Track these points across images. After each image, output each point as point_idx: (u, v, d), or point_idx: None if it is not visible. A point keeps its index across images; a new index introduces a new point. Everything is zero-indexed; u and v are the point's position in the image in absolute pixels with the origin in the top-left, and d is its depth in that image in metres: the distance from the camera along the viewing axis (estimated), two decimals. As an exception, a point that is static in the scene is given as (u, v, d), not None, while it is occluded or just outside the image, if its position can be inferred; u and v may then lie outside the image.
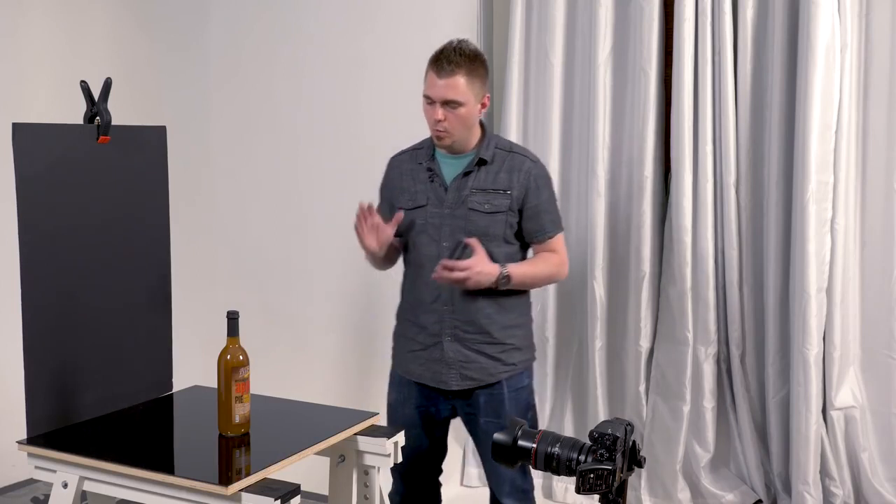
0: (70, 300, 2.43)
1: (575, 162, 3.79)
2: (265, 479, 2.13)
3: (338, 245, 4.02)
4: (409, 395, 2.75)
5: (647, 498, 3.67)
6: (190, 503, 2.11)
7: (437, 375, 2.68)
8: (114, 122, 2.49)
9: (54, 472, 2.26)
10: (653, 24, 3.53)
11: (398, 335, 2.81)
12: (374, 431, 2.48)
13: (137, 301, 2.63)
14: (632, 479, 2.91)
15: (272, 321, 4.21)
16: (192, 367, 2.95)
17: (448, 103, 2.55)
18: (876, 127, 3.35)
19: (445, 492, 2.95)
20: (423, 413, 2.74)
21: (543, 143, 3.73)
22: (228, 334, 2.34)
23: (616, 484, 1.53)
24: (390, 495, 2.79)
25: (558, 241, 2.71)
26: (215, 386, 2.36)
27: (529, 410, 2.74)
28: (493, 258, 2.58)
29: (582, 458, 1.56)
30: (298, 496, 2.08)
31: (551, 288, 3.75)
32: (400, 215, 2.61)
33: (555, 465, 1.59)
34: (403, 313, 2.78)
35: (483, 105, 2.63)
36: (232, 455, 2.31)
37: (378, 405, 2.85)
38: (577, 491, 1.52)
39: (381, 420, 2.58)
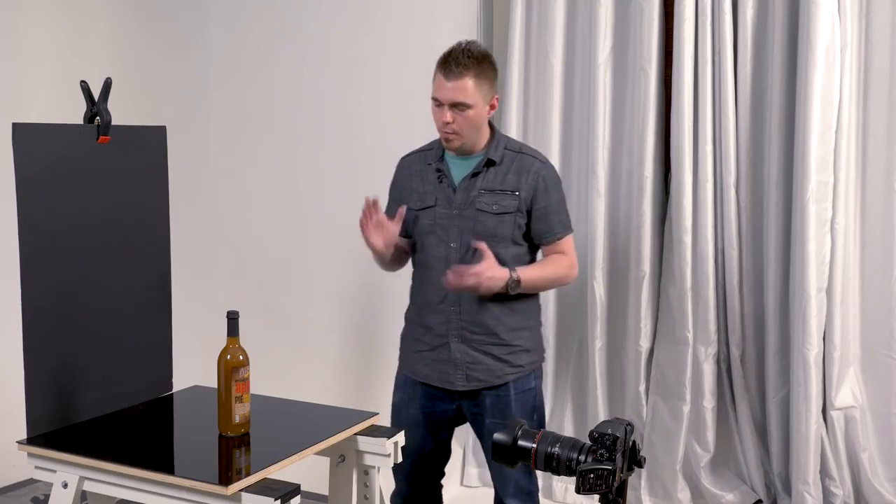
0: (70, 300, 2.43)
1: (575, 162, 3.79)
2: (265, 479, 2.13)
3: (338, 245, 4.03)
4: (414, 396, 2.75)
5: (647, 498, 3.67)
6: (190, 503, 2.11)
7: (443, 376, 2.68)
8: (114, 122, 2.49)
9: (54, 472, 2.26)
10: (653, 24, 3.53)
11: (405, 336, 2.81)
12: (374, 431, 2.48)
13: (137, 301, 2.63)
14: (632, 479, 2.91)
15: (272, 321, 4.21)
16: (192, 367, 2.95)
17: (456, 105, 2.54)
18: (876, 127, 3.35)
19: (445, 492, 2.95)
20: (427, 414, 2.74)
21: (543, 143, 3.73)
22: (228, 334, 2.34)
23: (616, 484, 1.53)
24: (392, 496, 2.79)
25: (567, 242, 2.70)
26: (215, 386, 2.36)
27: (535, 412, 2.73)
28: (500, 259, 2.57)
29: (582, 458, 1.56)
30: (298, 496, 2.08)
31: (551, 288, 3.76)
32: (403, 210, 2.61)
33: (555, 465, 1.59)
34: (411, 315, 2.78)
35: (492, 107, 2.62)
36: (232, 455, 2.31)
37: (378, 405, 2.85)
38: (577, 491, 1.52)
39: (381, 420, 2.58)
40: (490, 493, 2.88)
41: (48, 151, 2.36)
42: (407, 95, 3.83)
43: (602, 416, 3.70)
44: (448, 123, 2.56)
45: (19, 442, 2.31)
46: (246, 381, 2.35)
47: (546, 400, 3.84)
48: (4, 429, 2.74)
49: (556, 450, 1.59)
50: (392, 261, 2.74)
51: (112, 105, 2.48)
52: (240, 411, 2.34)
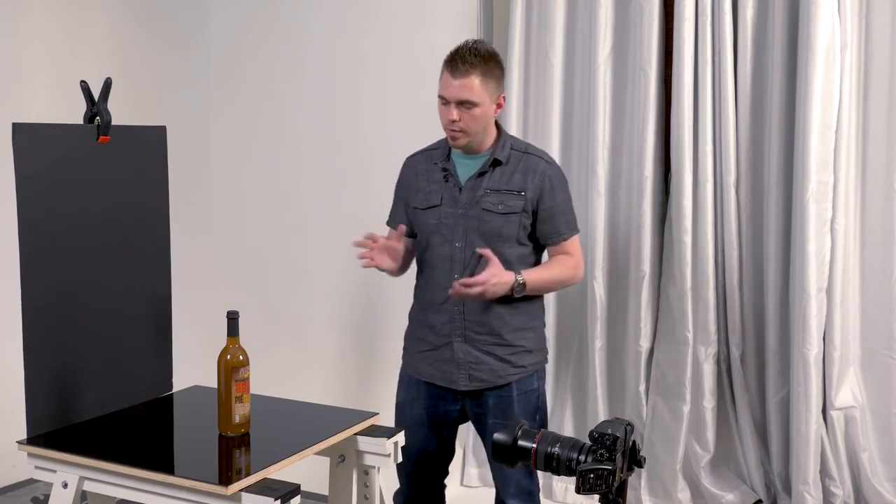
0: (70, 300, 2.43)
1: (575, 162, 3.79)
2: (265, 479, 2.13)
3: (338, 245, 4.01)
4: (418, 395, 2.75)
5: (647, 498, 3.67)
6: (190, 503, 2.11)
7: (446, 375, 2.68)
8: (114, 122, 2.49)
9: (54, 472, 2.26)
10: (653, 24, 3.53)
11: (409, 335, 2.81)
12: (374, 431, 2.48)
13: (137, 301, 2.63)
14: (632, 479, 2.91)
15: (272, 321, 4.21)
16: (192, 367, 2.95)
17: (463, 104, 2.54)
18: (876, 127, 3.35)
19: (446, 492, 2.94)
20: (431, 413, 2.74)
21: (543, 144, 3.72)
22: (228, 334, 2.34)
23: (616, 484, 1.53)
24: (395, 496, 2.79)
25: (573, 243, 2.70)
26: (215, 386, 2.36)
27: (538, 413, 2.73)
28: (505, 259, 2.57)
29: (582, 458, 1.56)
30: (298, 496, 2.08)
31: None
32: (402, 229, 2.62)
33: (555, 465, 1.59)
34: (415, 314, 2.79)
35: (499, 105, 2.62)
36: (232, 455, 2.31)
37: (378, 405, 2.85)
38: (577, 491, 1.52)
39: (381, 420, 2.57)
40: (490, 493, 2.88)
41: (48, 151, 2.36)
42: (407, 95, 3.83)
43: (602, 416, 3.70)
44: (454, 121, 2.56)
45: (19, 442, 2.31)
46: (246, 381, 2.35)
47: (546, 400, 3.85)
48: (4, 429, 2.74)
49: (556, 450, 1.59)
50: (400, 267, 2.75)
51: (112, 105, 2.48)
52: (240, 411, 2.34)
